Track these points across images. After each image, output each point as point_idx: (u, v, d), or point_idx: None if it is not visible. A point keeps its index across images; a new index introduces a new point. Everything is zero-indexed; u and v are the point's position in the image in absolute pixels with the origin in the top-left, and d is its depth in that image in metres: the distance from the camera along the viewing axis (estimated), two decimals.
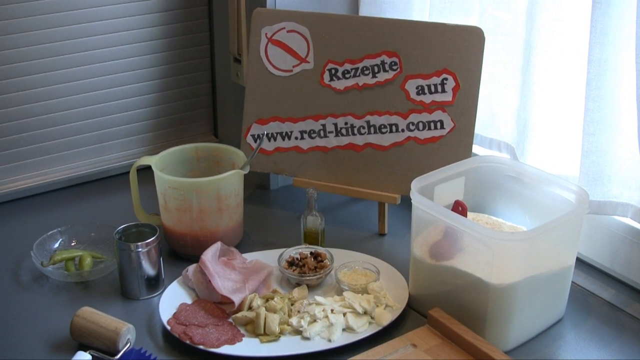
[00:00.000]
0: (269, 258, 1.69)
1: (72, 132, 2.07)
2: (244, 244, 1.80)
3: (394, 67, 1.78)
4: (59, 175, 2.07)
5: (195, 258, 1.67)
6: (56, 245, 1.77)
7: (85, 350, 1.45)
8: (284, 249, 1.69)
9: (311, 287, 1.62)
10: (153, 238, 1.61)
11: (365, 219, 1.90)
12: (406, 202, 1.72)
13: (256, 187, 2.06)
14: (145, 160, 1.76)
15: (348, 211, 1.96)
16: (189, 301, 1.59)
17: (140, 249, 1.60)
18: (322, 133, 1.84)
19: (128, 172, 1.80)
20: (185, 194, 1.68)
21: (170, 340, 1.50)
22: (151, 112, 2.17)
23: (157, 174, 1.72)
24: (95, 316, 1.49)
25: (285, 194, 2.05)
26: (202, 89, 2.23)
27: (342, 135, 1.83)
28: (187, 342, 1.47)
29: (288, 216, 1.93)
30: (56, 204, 2.01)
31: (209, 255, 1.64)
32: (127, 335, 1.47)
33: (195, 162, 1.85)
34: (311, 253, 1.68)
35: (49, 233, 1.77)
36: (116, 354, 1.44)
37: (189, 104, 2.22)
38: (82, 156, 2.10)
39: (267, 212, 1.96)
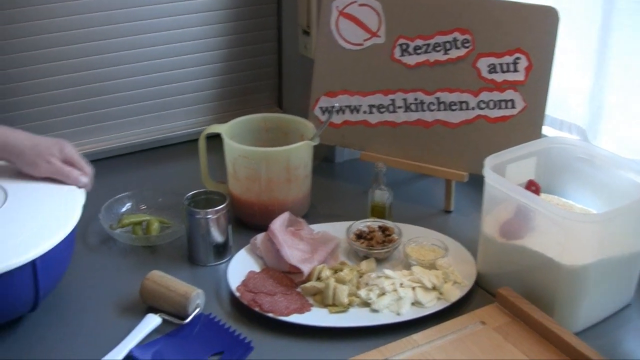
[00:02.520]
0: (336, 230, 1.69)
1: (138, 98, 2.09)
2: (311, 215, 1.80)
3: (466, 45, 1.77)
4: (127, 141, 2.09)
5: (261, 227, 1.67)
6: (124, 209, 1.79)
7: (154, 314, 1.46)
8: (352, 222, 1.69)
9: (378, 261, 1.62)
10: (223, 205, 1.62)
11: (430, 196, 1.90)
12: (472, 180, 1.72)
13: (322, 159, 2.06)
14: (215, 128, 1.77)
15: (413, 187, 1.95)
16: (256, 269, 1.59)
17: (210, 216, 1.61)
18: (391, 108, 1.84)
19: (191, 141, 1.80)
20: (255, 163, 1.69)
21: (238, 307, 1.51)
22: (216, 82, 2.18)
23: (227, 142, 1.73)
24: (165, 280, 1.50)
25: (350, 167, 2.05)
26: (268, 60, 2.23)
27: (412, 111, 1.82)
28: (257, 309, 1.47)
29: (353, 189, 1.93)
30: (123, 169, 2.02)
31: (278, 225, 1.64)
32: (197, 300, 1.48)
33: (264, 132, 1.85)
34: (379, 227, 1.67)
35: (117, 197, 1.79)
36: (185, 318, 1.46)
37: (255, 75, 2.23)
38: (147, 123, 2.12)
39: (333, 185, 1.96)
